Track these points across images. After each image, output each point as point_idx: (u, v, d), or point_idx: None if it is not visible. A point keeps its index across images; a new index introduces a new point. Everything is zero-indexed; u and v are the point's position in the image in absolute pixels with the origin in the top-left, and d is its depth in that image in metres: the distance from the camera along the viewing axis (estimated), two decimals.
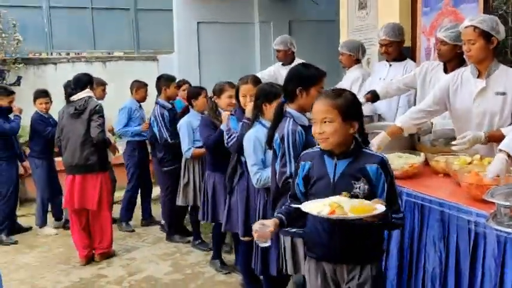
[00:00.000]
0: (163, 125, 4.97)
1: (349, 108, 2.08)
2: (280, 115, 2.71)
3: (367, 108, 4.20)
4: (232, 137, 3.56)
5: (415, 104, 3.88)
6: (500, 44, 3.05)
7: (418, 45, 4.91)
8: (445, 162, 2.81)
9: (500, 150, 2.52)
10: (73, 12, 8.86)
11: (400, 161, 2.97)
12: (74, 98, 4.57)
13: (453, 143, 2.85)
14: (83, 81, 4.63)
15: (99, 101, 4.80)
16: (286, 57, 5.43)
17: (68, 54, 8.71)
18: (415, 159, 2.99)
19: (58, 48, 8.82)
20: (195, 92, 4.68)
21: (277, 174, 2.64)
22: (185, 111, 4.78)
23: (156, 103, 5.17)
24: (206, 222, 4.41)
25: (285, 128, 2.61)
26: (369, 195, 2.04)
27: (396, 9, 4.95)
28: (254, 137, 3.14)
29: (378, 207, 1.93)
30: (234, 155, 3.57)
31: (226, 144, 3.62)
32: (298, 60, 5.48)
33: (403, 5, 4.93)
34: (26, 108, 5.63)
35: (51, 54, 8.63)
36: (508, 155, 2.49)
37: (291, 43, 5.43)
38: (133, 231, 5.63)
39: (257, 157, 3.14)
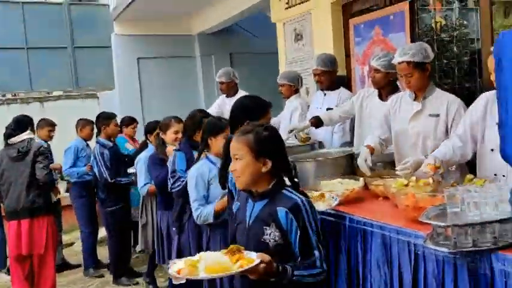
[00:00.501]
0: (103, 164, 4.88)
1: (261, 144, 1.98)
2: (229, 153, 2.51)
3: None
4: (177, 181, 3.43)
5: (351, 130, 4.03)
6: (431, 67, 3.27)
7: (352, 73, 5.10)
8: (383, 186, 2.88)
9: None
10: (8, 52, 8.65)
11: (341, 187, 3.02)
12: (14, 140, 4.40)
13: (396, 168, 2.95)
14: (24, 123, 4.52)
15: (45, 143, 4.84)
16: (230, 89, 5.47)
17: (4, 95, 8.40)
18: (355, 184, 3.05)
19: None
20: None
21: None
22: (142, 147, 4.76)
23: (97, 142, 5.08)
24: (163, 265, 4.24)
25: None
26: (283, 244, 1.94)
27: (330, 40, 5.14)
28: (197, 173, 3.11)
29: (255, 261, 1.77)
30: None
31: (170, 190, 3.49)
32: (241, 92, 5.54)
33: (336, 36, 5.13)
34: None
35: None
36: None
37: (233, 75, 5.49)
38: (102, 276, 5.38)
39: (198, 193, 3.10)
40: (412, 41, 4.34)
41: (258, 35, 8.37)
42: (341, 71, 5.18)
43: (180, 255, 3.43)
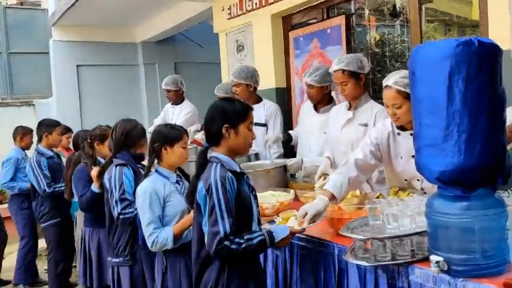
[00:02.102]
0: (39, 173, 4.52)
1: None
2: (204, 163, 2.22)
3: None
4: (130, 207, 2.91)
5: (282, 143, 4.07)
6: (367, 76, 3.34)
7: (292, 85, 5.12)
8: (312, 198, 2.87)
9: (325, 190, 2.57)
10: None
11: (272, 199, 2.99)
12: None
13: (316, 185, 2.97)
14: None
15: None
16: (178, 97, 5.36)
17: None
18: (286, 196, 3.02)
19: None
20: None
21: (206, 236, 2.07)
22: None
23: (35, 150, 4.72)
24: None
25: (212, 176, 2.08)
26: None
27: (270, 52, 5.16)
28: (151, 190, 2.64)
29: None
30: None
31: (117, 218, 2.94)
32: (187, 101, 5.43)
33: (277, 48, 5.15)
34: None
35: None
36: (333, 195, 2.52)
37: (181, 82, 5.38)
38: None
39: (153, 214, 2.62)
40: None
41: (203, 45, 8.31)
42: (281, 83, 5.23)
43: None
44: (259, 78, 4.28)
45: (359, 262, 1.99)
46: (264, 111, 4.31)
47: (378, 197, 2.63)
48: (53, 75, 7.73)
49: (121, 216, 2.92)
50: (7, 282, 5.31)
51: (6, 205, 5.35)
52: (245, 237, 2.06)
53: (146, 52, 8.38)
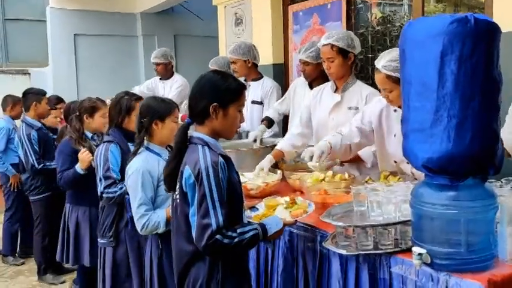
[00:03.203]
0: (29, 148, 4.31)
1: None
2: (184, 142, 1.94)
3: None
4: (113, 186, 2.77)
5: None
6: (357, 58, 3.15)
7: (290, 62, 4.96)
8: (299, 179, 2.76)
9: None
10: None
11: (258, 180, 2.88)
12: None
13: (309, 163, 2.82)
14: None
15: None
16: (167, 71, 5.23)
17: None
18: (273, 177, 2.91)
19: None
20: None
21: (195, 229, 1.82)
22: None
23: (22, 121, 4.52)
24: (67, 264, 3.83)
25: (201, 160, 1.82)
26: None
27: (269, 27, 4.99)
28: (143, 169, 2.44)
29: None
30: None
31: (100, 197, 2.83)
32: (177, 75, 5.31)
33: (275, 22, 4.98)
34: None
35: None
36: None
37: (171, 56, 5.25)
38: (23, 263, 4.96)
39: (146, 195, 2.43)
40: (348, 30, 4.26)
41: (203, 17, 8.11)
42: (279, 59, 5.08)
43: (115, 271, 2.84)
44: (258, 54, 4.14)
45: (338, 250, 1.89)
46: (262, 88, 4.19)
47: (366, 181, 2.52)
48: (49, 43, 7.56)
49: (104, 195, 2.79)
50: None
51: None
52: (238, 230, 1.83)
53: (145, 23, 8.17)
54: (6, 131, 5.03)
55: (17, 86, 7.27)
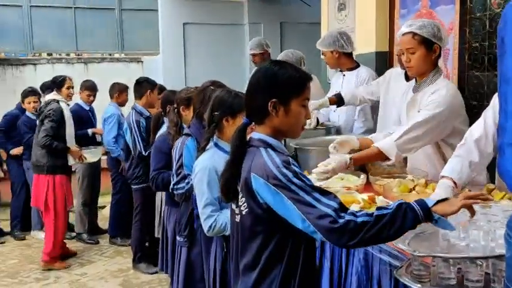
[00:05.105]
0: (138, 135, 4.37)
1: None
2: (243, 144, 1.70)
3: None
4: (181, 182, 2.65)
5: (372, 115, 3.53)
6: (441, 53, 2.65)
7: (395, 50, 4.50)
8: (383, 187, 2.42)
9: (443, 177, 2.15)
10: (55, 11, 8.60)
11: (339, 184, 2.59)
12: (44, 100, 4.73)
13: (313, 170, 2.47)
14: (54, 84, 4.81)
15: (87, 105, 5.39)
16: (263, 60, 5.05)
17: (51, 54, 8.48)
18: (356, 182, 2.60)
19: (38, 48, 8.59)
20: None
21: (324, 233, 1.51)
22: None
23: (133, 108, 4.59)
24: (165, 273, 3.57)
25: (269, 164, 1.57)
26: None
27: (373, 12, 4.57)
28: (210, 166, 2.28)
29: None
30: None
31: (170, 190, 2.74)
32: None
33: (380, 7, 4.55)
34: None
35: (34, 55, 8.42)
36: (454, 182, 2.13)
37: (266, 44, 5.08)
38: (130, 245, 4.86)
39: (212, 194, 2.26)
40: (462, 15, 3.72)
41: (311, 3, 7.80)
42: (383, 47, 4.64)
43: (189, 273, 2.74)
44: (350, 42, 3.80)
45: (411, 284, 1.56)
46: (357, 78, 3.85)
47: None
48: (160, 32, 7.82)
49: (174, 192, 2.70)
50: (105, 231, 5.55)
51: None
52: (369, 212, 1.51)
53: (252, 11, 8.09)
54: (116, 116, 5.21)
55: (130, 73, 7.68)
